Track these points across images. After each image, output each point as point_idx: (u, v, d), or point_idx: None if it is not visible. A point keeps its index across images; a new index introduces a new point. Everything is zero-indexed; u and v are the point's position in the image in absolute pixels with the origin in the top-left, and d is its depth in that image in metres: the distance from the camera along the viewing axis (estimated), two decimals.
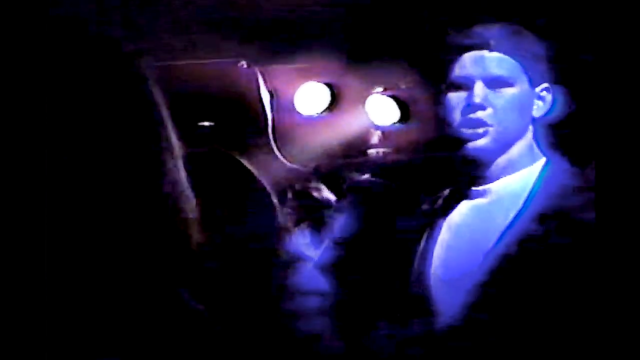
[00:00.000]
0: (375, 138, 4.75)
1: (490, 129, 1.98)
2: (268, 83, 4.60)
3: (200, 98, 4.49)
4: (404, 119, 4.63)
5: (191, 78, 4.36)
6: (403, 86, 4.55)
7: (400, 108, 4.62)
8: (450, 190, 2.13)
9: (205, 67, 4.38)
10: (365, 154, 4.74)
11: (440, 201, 2.12)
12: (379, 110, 4.63)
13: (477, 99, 1.97)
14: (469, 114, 1.98)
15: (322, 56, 4.34)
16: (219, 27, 4.03)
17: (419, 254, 2.05)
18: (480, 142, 1.99)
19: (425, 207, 2.17)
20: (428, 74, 4.34)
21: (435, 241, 2.04)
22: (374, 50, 4.22)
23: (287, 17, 3.97)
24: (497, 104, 1.98)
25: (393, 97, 4.61)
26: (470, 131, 1.99)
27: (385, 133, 4.72)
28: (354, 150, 4.68)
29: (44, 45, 0.88)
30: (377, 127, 4.69)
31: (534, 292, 1.88)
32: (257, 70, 4.56)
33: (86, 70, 0.91)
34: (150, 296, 0.93)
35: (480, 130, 1.98)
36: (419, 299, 2.02)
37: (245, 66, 4.48)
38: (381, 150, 4.74)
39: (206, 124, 4.69)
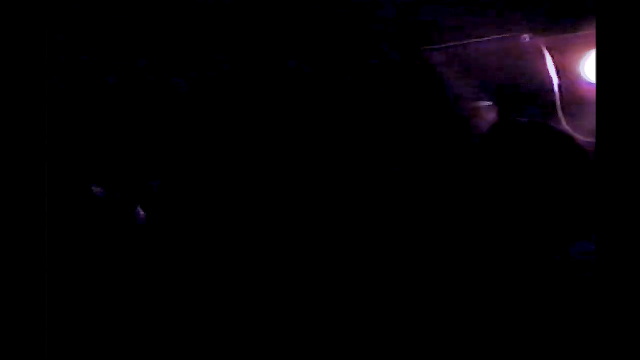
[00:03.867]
0: None
1: None
2: (554, 55, 4.46)
3: (485, 76, 4.44)
4: None
5: (473, 56, 4.32)
6: None
7: None
8: None
9: (486, 44, 4.32)
10: None
11: None
12: None
13: None
14: None
15: None
16: (498, 2, 3.98)
17: None
18: None
19: None
20: None
21: None
22: None
23: None
24: None
25: None
26: None
27: None
28: None
29: None
30: None
31: None
32: (541, 42, 4.43)
33: None
34: None
35: None
36: None
37: (528, 39, 4.37)
38: None
39: (487, 103, 4.66)
